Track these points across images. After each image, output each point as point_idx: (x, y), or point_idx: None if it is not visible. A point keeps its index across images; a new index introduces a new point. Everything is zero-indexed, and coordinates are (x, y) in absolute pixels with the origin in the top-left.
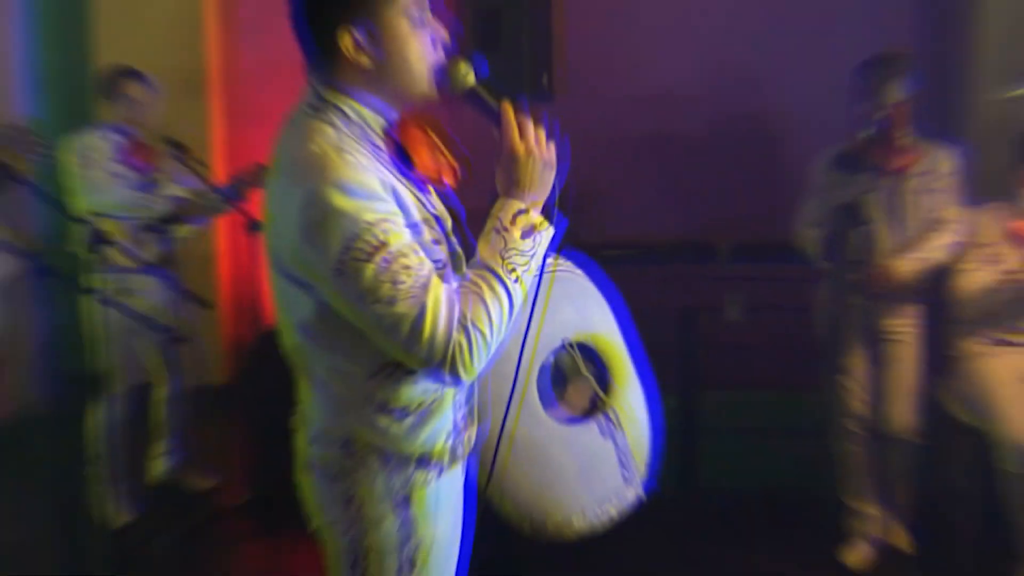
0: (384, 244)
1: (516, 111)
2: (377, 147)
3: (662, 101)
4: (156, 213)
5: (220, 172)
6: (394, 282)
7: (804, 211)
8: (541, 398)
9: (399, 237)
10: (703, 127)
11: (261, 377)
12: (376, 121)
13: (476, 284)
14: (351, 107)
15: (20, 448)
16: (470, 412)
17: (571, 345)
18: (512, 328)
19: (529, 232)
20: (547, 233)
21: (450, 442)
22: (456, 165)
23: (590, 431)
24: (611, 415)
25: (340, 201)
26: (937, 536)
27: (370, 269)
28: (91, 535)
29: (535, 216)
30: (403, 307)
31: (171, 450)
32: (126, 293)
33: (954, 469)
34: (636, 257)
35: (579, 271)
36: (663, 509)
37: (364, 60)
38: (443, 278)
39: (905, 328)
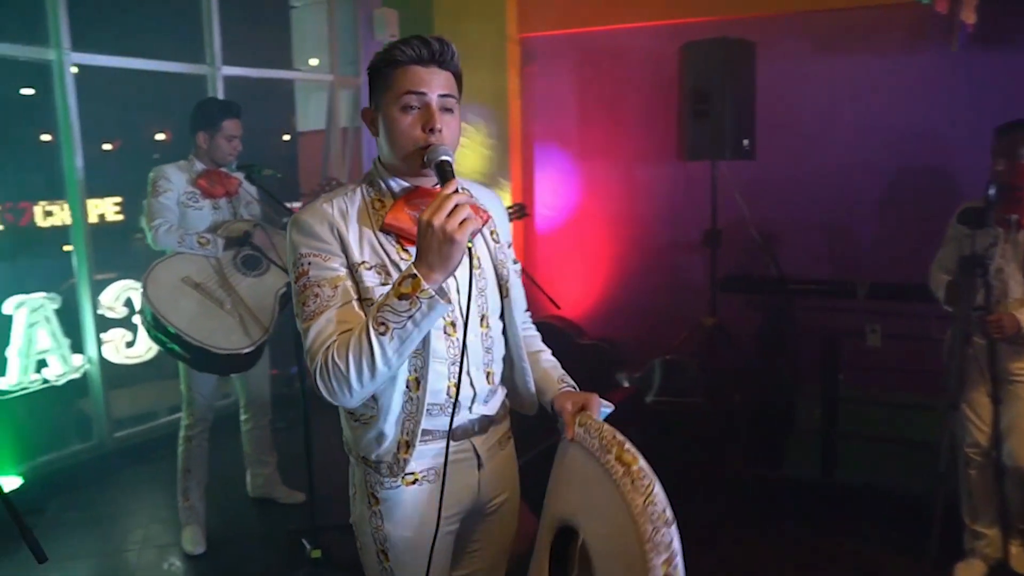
0: (305, 273)
1: (447, 192)
2: (380, 202)
3: (826, 162)
4: None
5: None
6: (303, 303)
7: (937, 258)
8: None
9: (318, 270)
10: (857, 184)
11: None
12: (389, 186)
13: (359, 326)
14: (377, 171)
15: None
16: (408, 441)
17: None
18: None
19: (406, 296)
20: (428, 302)
21: (387, 458)
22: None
23: None
24: None
25: (292, 234)
26: None
27: (296, 288)
28: None
29: (421, 284)
30: (303, 324)
31: None
32: None
33: None
34: (793, 290)
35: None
36: (806, 495)
37: (373, 132)
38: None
39: None
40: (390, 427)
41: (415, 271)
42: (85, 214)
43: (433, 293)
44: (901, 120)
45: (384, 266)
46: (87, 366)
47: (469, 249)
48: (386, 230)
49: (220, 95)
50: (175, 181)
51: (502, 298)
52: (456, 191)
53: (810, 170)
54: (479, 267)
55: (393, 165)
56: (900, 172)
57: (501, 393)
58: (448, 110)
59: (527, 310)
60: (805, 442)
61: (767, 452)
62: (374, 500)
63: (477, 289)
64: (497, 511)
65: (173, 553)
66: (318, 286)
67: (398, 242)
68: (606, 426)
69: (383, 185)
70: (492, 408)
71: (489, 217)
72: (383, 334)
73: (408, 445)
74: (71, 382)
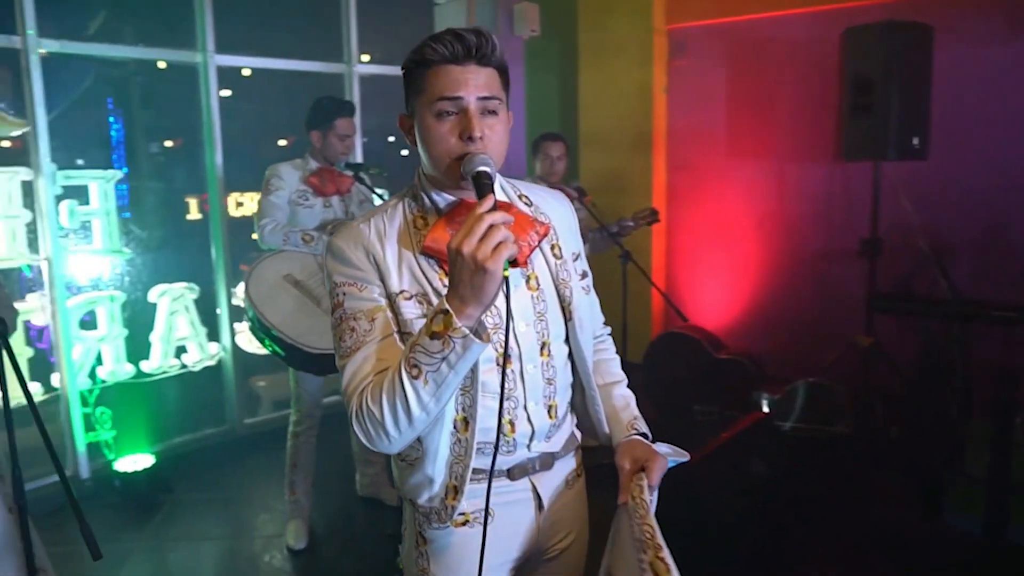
0: (340, 304)
1: (480, 211)
2: (423, 219)
3: (1013, 164)
4: None
5: (661, 208)
6: (340, 337)
7: None
8: None
9: (353, 301)
10: None
11: (658, 363)
12: (433, 201)
13: (393, 367)
14: (419, 184)
15: None
16: (456, 486)
17: None
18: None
19: (438, 335)
20: (462, 342)
21: (434, 503)
22: None
23: None
24: None
25: (327, 260)
26: None
27: (332, 321)
28: None
29: (453, 320)
30: (340, 360)
31: None
32: None
33: None
34: (961, 314)
35: None
36: (966, 553)
37: (410, 141)
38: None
39: None
40: (437, 471)
41: (447, 306)
42: (225, 208)
43: (467, 332)
44: None
45: (425, 295)
46: (221, 354)
47: (506, 278)
48: (427, 253)
49: (356, 93)
50: (287, 179)
51: (566, 321)
52: (493, 208)
53: (992, 173)
54: (538, 288)
55: (434, 177)
56: None
57: (568, 426)
58: (491, 112)
59: (605, 323)
60: (971, 491)
61: (924, 497)
62: (421, 540)
63: (536, 314)
64: (559, 556)
65: (277, 544)
66: (354, 319)
67: (440, 266)
68: (649, 518)
69: (426, 199)
70: (556, 444)
71: (548, 229)
72: (416, 378)
73: (456, 490)
74: (206, 369)
